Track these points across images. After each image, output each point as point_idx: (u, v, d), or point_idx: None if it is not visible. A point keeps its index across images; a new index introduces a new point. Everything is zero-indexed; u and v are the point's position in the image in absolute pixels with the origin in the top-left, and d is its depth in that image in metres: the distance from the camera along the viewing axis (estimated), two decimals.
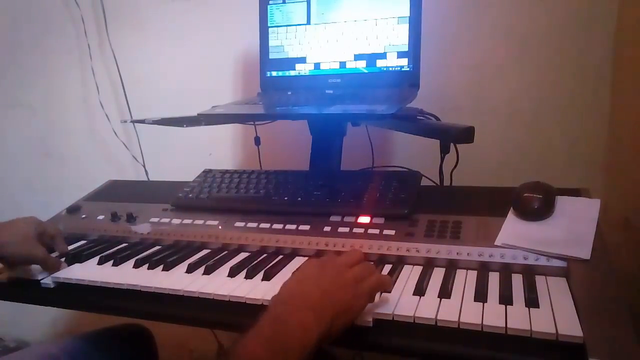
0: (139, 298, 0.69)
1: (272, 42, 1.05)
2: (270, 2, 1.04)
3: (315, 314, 0.50)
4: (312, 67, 1.02)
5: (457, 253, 0.68)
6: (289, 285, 0.56)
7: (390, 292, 0.59)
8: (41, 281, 0.75)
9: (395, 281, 0.64)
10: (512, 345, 0.50)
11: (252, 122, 1.18)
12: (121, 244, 0.88)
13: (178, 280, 0.70)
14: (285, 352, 0.46)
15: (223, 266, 0.74)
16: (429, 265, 0.68)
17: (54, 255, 0.80)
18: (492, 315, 0.53)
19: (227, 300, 0.64)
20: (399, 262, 0.70)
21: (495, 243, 0.67)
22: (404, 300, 0.58)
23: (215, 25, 1.33)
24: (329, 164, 1.00)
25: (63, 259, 0.80)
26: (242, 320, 0.61)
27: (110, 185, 1.14)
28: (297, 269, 0.60)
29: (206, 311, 0.64)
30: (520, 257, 0.65)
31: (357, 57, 0.98)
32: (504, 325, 0.51)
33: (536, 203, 0.71)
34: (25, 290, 0.76)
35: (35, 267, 0.77)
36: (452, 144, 0.94)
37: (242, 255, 0.78)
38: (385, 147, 1.23)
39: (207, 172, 1.00)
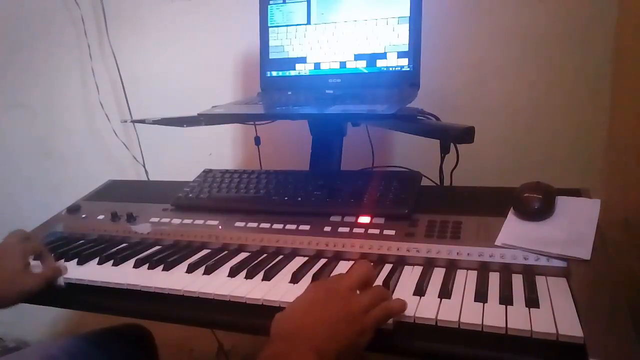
0: (139, 298, 0.69)
1: (272, 42, 1.05)
2: (271, 2, 1.04)
3: (317, 356, 0.46)
4: (312, 67, 1.02)
5: (457, 253, 0.68)
6: (292, 314, 0.52)
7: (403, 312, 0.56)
8: None
9: (396, 282, 0.64)
10: (512, 346, 0.50)
11: (252, 122, 1.18)
12: (121, 244, 0.88)
13: (178, 280, 0.70)
14: None
15: (223, 266, 0.74)
16: (429, 265, 0.68)
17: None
18: (492, 316, 0.53)
19: (227, 300, 0.64)
20: (399, 262, 0.70)
21: (496, 243, 0.67)
22: None
23: (215, 25, 1.33)
24: (329, 164, 1.00)
25: (62, 260, 0.80)
26: (242, 321, 0.61)
27: (110, 185, 1.14)
28: (302, 294, 0.56)
29: (206, 311, 0.64)
30: (520, 257, 0.65)
31: (357, 57, 0.98)
32: (504, 326, 0.51)
33: (536, 203, 0.71)
34: None
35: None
36: (452, 144, 0.94)
37: (242, 255, 0.78)
38: (385, 147, 1.23)
39: (207, 172, 1.00)
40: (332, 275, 0.69)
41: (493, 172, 1.13)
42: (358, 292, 0.55)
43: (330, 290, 0.54)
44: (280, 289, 0.64)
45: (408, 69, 0.94)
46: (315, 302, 0.53)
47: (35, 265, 0.76)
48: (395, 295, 0.59)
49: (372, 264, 0.64)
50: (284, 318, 0.52)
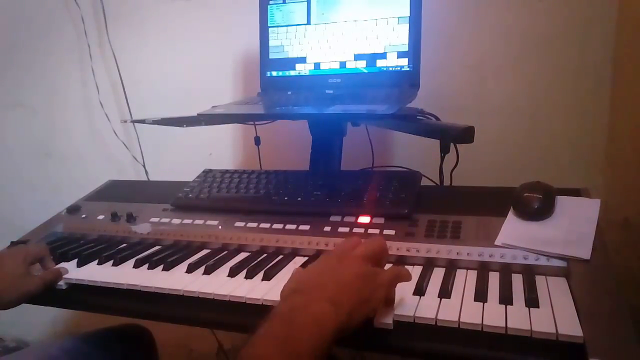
0: (139, 298, 0.69)
1: (272, 42, 1.05)
2: (271, 2, 1.04)
3: (332, 305, 0.47)
4: (312, 67, 1.02)
5: (457, 253, 0.68)
6: (304, 274, 0.54)
7: (409, 280, 0.58)
8: None
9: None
10: (512, 345, 0.50)
11: (252, 122, 1.18)
12: (121, 244, 0.88)
13: (178, 280, 0.70)
14: (297, 353, 0.43)
15: (223, 266, 0.74)
16: (429, 265, 0.68)
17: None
18: (492, 315, 0.53)
19: (227, 300, 0.64)
20: (399, 262, 0.70)
21: (495, 243, 0.67)
22: (404, 301, 0.58)
23: (215, 25, 1.33)
24: (329, 164, 1.00)
25: (62, 263, 0.80)
26: (242, 320, 0.61)
27: (110, 185, 1.14)
28: (318, 259, 0.58)
29: (206, 311, 0.64)
30: (520, 257, 0.65)
31: (357, 57, 0.98)
32: (504, 325, 0.51)
33: (536, 203, 0.71)
34: None
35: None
36: (452, 144, 0.94)
37: (242, 255, 0.78)
38: (385, 147, 1.23)
39: (207, 172, 1.00)
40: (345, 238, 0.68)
41: (493, 172, 1.13)
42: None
43: (342, 255, 0.55)
44: (280, 289, 0.64)
45: (408, 69, 0.94)
46: (328, 265, 0.55)
47: (36, 268, 0.77)
48: (395, 296, 0.59)
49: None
50: (297, 277, 0.54)
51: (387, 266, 0.69)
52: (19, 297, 0.71)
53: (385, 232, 0.74)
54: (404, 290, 0.61)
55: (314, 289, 0.50)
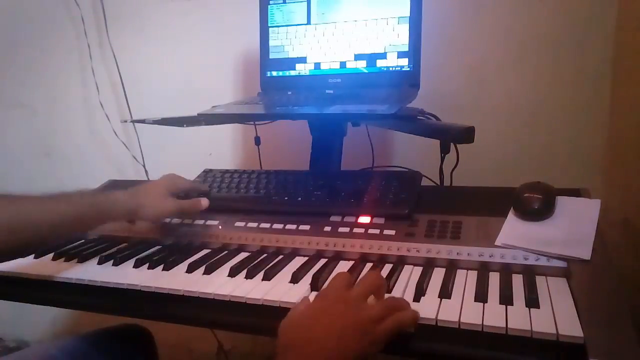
0: (139, 298, 0.69)
1: (272, 42, 1.05)
2: (271, 2, 1.04)
3: None
4: (312, 67, 1.02)
5: (457, 253, 0.68)
6: (300, 323, 0.53)
7: (414, 326, 0.54)
8: None
9: (396, 282, 0.64)
10: (512, 346, 0.50)
11: (252, 122, 1.18)
12: (121, 243, 0.88)
13: (178, 280, 0.70)
14: None
15: (223, 266, 0.74)
16: (429, 265, 0.68)
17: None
18: (492, 316, 0.53)
19: (227, 300, 0.64)
20: (399, 262, 0.70)
21: (496, 243, 0.67)
22: None
23: (215, 25, 1.33)
24: (329, 164, 1.00)
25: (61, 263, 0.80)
26: (242, 320, 0.61)
27: (110, 185, 1.14)
28: (311, 302, 0.56)
29: (206, 311, 0.64)
30: (520, 257, 0.65)
31: (357, 57, 0.98)
32: (505, 326, 0.51)
33: (536, 203, 0.71)
34: (25, 290, 0.76)
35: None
36: (452, 144, 0.94)
37: (242, 255, 0.78)
38: (385, 147, 1.23)
39: (207, 172, 1.00)
40: (335, 274, 0.68)
41: (493, 172, 1.13)
42: (373, 299, 0.55)
43: (339, 299, 0.54)
44: (280, 289, 0.64)
45: (408, 69, 0.94)
46: (324, 311, 0.53)
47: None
48: (395, 296, 0.59)
49: (381, 273, 0.63)
50: (293, 327, 0.52)
51: (385, 270, 0.69)
52: (156, 213, 0.82)
53: (385, 232, 0.74)
54: (404, 291, 0.61)
55: (307, 345, 0.49)
